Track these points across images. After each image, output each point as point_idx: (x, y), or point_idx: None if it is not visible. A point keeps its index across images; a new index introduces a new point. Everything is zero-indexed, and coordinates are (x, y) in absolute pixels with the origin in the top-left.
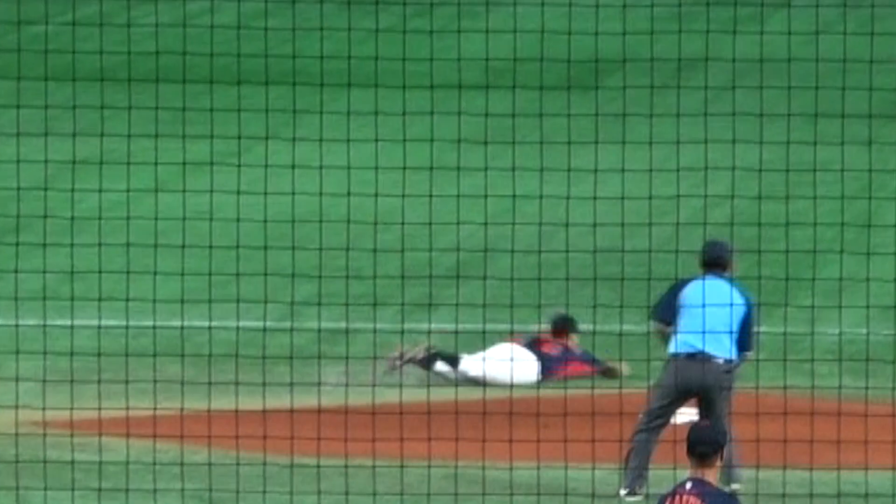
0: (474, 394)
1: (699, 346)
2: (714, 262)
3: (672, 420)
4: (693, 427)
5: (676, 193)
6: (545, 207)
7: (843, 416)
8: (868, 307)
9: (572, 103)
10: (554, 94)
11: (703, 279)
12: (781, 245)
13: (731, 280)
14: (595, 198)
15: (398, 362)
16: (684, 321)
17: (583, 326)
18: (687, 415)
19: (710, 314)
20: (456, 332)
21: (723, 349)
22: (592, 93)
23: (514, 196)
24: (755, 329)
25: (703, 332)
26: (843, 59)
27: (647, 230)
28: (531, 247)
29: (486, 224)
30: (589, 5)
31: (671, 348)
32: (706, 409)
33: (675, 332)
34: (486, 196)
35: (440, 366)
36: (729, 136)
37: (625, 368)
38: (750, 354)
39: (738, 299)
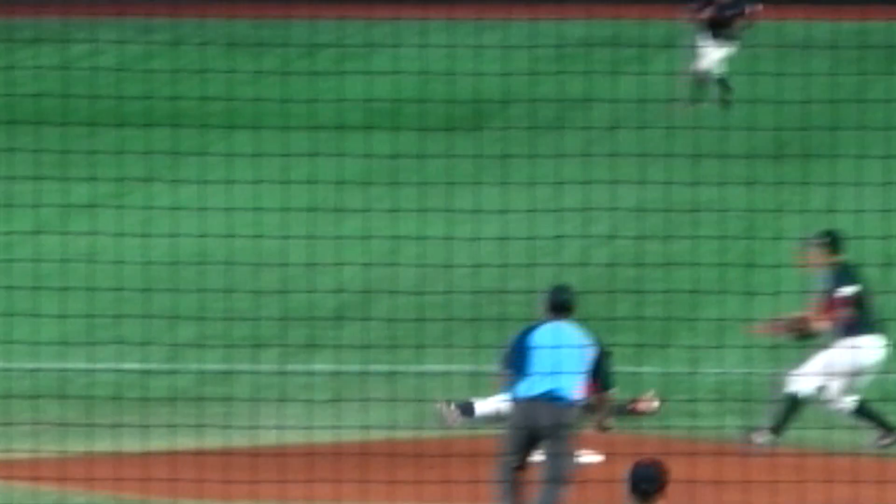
0: (359, 435)
1: (546, 387)
2: (562, 306)
3: (529, 460)
4: (636, 465)
5: (558, 234)
6: (427, 249)
7: (724, 456)
8: (749, 347)
9: (454, 145)
10: (435, 136)
11: (551, 323)
12: (662, 285)
13: (575, 324)
14: (477, 239)
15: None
16: (533, 364)
17: (465, 367)
18: (587, 455)
19: (558, 356)
20: (337, 374)
21: (569, 390)
22: (474, 134)
23: (395, 237)
24: (611, 369)
25: (552, 374)
26: (724, 100)
27: (529, 271)
28: (413, 288)
29: (367, 265)
30: (470, 47)
31: (519, 391)
32: (553, 447)
33: (524, 376)
34: (367, 238)
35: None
36: (610, 177)
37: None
38: (613, 392)
39: (585, 341)
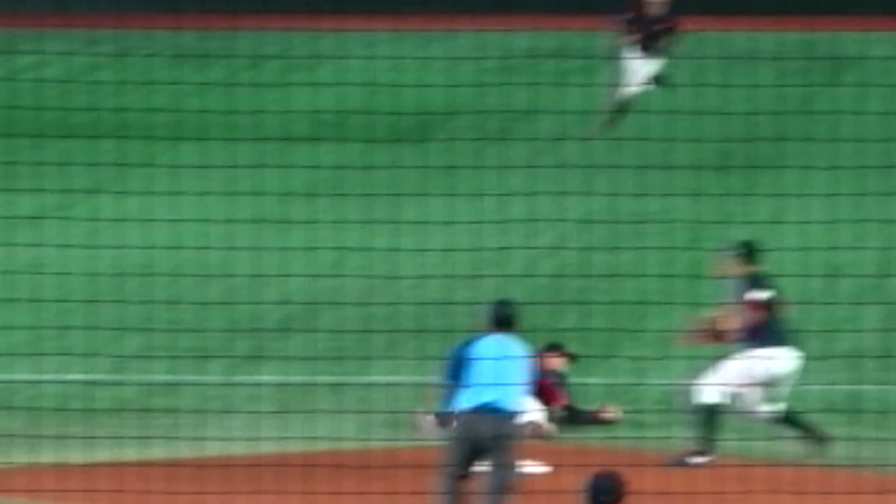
0: (304, 446)
1: (487, 399)
2: (505, 320)
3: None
4: (595, 477)
5: (503, 245)
6: (372, 260)
7: (670, 467)
8: (695, 358)
9: (399, 156)
10: (381, 147)
11: (493, 336)
12: (608, 296)
13: (516, 337)
14: (422, 250)
15: None
16: (474, 376)
17: (410, 378)
18: (531, 465)
19: (499, 369)
20: (282, 386)
21: (511, 402)
22: (420, 145)
23: (341, 249)
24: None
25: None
26: (671, 111)
27: (475, 282)
28: (358, 299)
29: (313, 277)
30: (416, 58)
31: (461, 403)
32: (496, 458)
33: (465, 387)
34: (313, 249)
35: None
36: (556, 188)
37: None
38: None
39: (526, 354)
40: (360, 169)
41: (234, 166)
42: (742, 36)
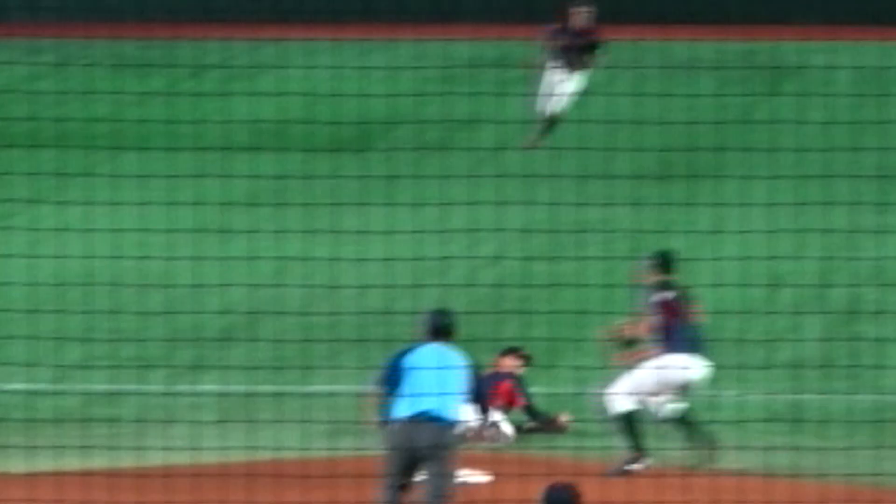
0: (246, 456)
1: (425, 408)
2: (442, 329)
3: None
4: (550, 487)
5: (444, 255)
6: (313, 270)
7: (612, 476)
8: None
9: (340, 165)
10: (322, 157)
11: (430, 345)
12: (549, 306)
13: (453, 345)
14: (363, 260)
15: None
16: (411, 385)
17: (351, 388)
18: (473, 475)
19: (437, 377)
20: (223, 395)
21: (448, 410)
22: (360, 155)
23: (282, 258)
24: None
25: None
26: (611, 121)
27: (416, 292)
28: (299, 309)
29: (254, 286)
30: (357, 68)
31: (398, 412)
32: (433, 468)
33: (401, 396)
34: (254, 259)
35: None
36: (497, 198)
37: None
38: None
39: (462, 363)
40: (300, 178)
41: (175, 176)
42: (682, 45)
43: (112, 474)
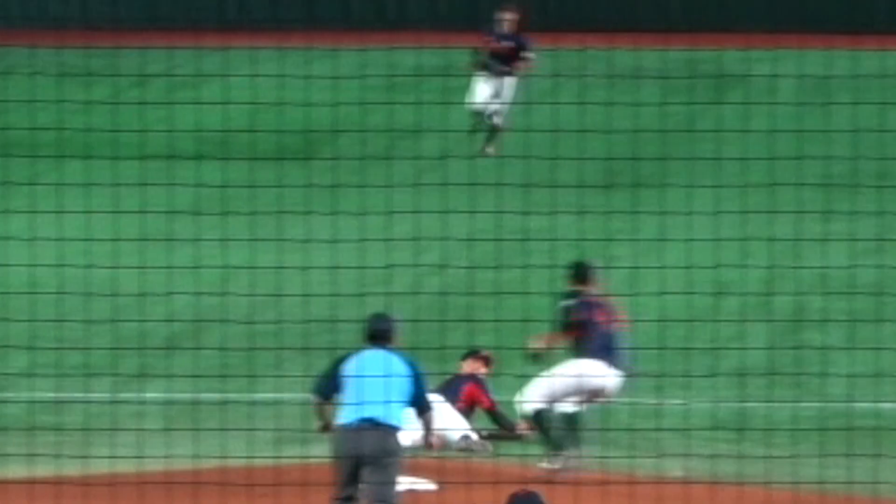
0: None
1: (367, 414)
2: (378, 334)
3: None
4: (514, 496)
5: (389, 263)
6: (258, 278)
7: (555, 484)
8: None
9: (284, 174)
10: (266, 165)
11: (368, 351)
12: (493, 314)
13: (393, 350)
14: (307, 268)
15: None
16: (349, 392)
17: (296, 396)
18: (421, 483)
19: (377, 383)
20: (168, 404)
21: (391, 416)
22: (304, 164)
23: (226, 267)
24: (425, 388)
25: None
26: (555, 130)
27: (360, 300)
28: (244, 317)
29: (198, 295)
30: (300, 76)
31: (339, 419)
32: (377, 475)
33: (341, 404)
34: (198, 267)
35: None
36: (440, 206)
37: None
38: (431, 414)
39: (403, 367)
40: (244, 187)
41: (119, 184)
42: (626, 53)
43: (56, 482)
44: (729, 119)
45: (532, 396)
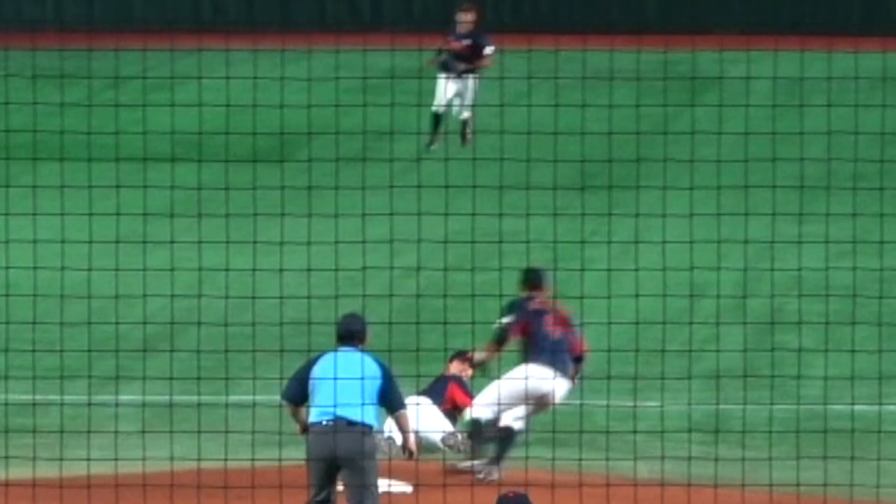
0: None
1: (339, 413)
2: (349, 335)
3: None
4: (502, 498)
5: (364, 266)
6: (232, 280)
7: (531, 486)
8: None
9: (258, 176)
10: (240, 167)
11: (336, 352)
12: (469, 316)
13: (363, 351)
14: (282, 270)
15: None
16: (320, 393)
17: (271, 398)
18: (396, 485)
19: (346, 384)
20: (143, 406)
21: (364, 415)
22: (279, 166)
23: (201, 269)
24: (399, 390)
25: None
26: (529, 132)
27: (335, 303)
28: (219, 320)
29: (173, 297)
30: (274, 78)
31: (311, 418)
32: (353, 477)
33: (312, 405)
34: (173, 269)
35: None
36: (416, 209)
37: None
38: (403, 412)
39: (373, 367)
40: (219, 189)
41: (94, 186)
42: (600, 54)
43: (32, 484)
44: (703, 120)
45: (479, 403)
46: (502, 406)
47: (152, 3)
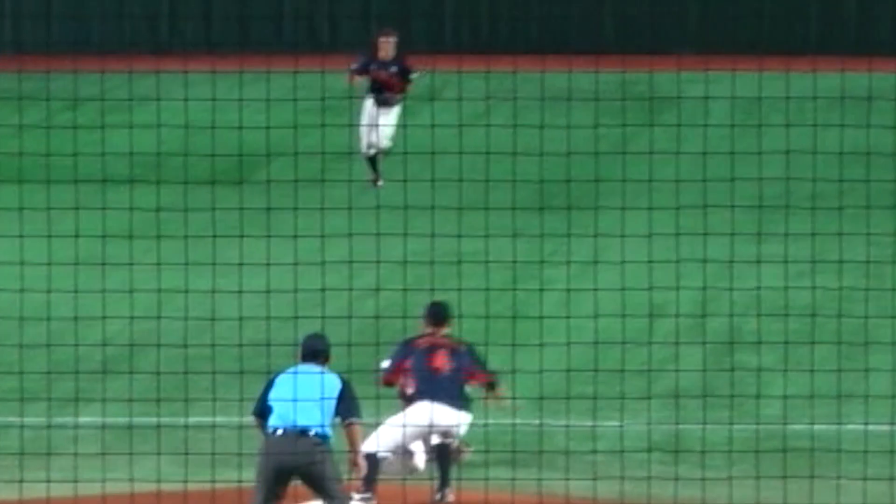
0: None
1: (295, 422)
2: (313, 353)
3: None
4: None
5: (322, 287)
6: (191, 302)
7: None
8: (514, 398)
9: (217, 197)
10: (199, 189)
11: (300, 366)
12: None
13: (326, 369)
14: (241, 292)
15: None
16: (277, 404)
17: (231, 420)
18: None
19: (306, 394)
20: (103, 428)
21: (320, 426)
22: (237, 187)
23: (160, 291)
24: (356, 399)
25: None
26: (488, 152)
27: (294, 324)
28: (178, 341)
29: (132, 319)
30: (233, 100)
31: (267, 427)
32: (314, 483)
33: (269, 414)
34: (132, 291)
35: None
36: (374, 229)
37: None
38: (355, 424)
39: (333, 382)
40: (177, 211)
41: (52, 208)
42: (558, 75)
43: None
44: (661, 140)
45: (377, 442)
46: (401, 446)
47: (110, 26)
